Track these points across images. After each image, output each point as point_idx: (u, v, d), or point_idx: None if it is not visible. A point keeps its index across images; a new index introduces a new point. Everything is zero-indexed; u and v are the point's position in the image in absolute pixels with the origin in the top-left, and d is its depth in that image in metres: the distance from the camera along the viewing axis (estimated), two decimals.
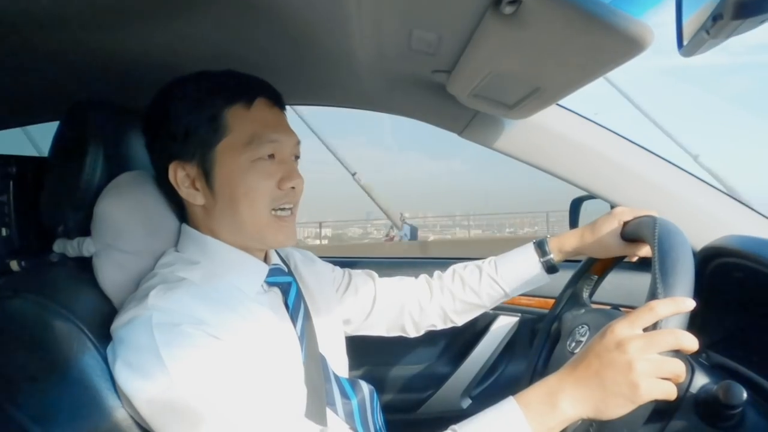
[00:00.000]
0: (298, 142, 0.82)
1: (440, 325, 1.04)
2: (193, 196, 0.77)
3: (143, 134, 0.82)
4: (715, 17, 0.44)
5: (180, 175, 0.77)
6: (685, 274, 0.63)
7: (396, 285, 1.05)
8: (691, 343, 0.58)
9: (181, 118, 0.75)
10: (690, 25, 0.54)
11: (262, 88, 0.79)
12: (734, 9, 0.41)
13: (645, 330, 0.60)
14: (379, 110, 1.25)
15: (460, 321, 1.04)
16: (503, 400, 0.63)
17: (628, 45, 0.59)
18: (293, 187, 0.78)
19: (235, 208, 0.76)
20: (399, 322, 1.03)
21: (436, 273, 1.06)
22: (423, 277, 1.06)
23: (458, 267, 1.04)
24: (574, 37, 0.62)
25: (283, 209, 0.79)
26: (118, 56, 0.90)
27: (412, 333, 1.05)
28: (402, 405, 1.38)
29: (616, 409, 0.58)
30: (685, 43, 0.55)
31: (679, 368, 0.58)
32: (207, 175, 0.76)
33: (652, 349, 0.58)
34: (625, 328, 0.60)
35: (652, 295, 0.63)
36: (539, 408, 0.60)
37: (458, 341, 1.41)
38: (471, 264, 1.03)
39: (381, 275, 1.06)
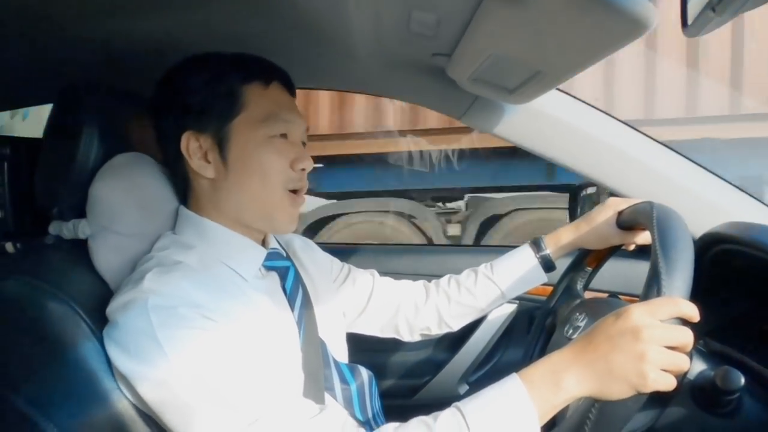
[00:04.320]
0: (308, 128, 0.84)
1: (435, 330, 1.03)
2: (204, 168, 0.77)
3: (152, 108, 0.81)
4: None
5: (192, 146, 0.77)
6: (685, 250, 0.64)
7: (394, 285, 1.05)
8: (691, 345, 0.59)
9: (199, 91, 0.76)
10: (695, 4, 0.53)
11: (279, 72, 0.82)
12: None
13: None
14: (378, 94, 1.24)
15: (456, 325, 1.03)
16: (506, 377, 0.63)
17: (631, 26, 0.57)
18: (303, 169, 0.79)
19: (248, 182, 0.76)
20: (393, 322, 1.03)
21: (434, 280, 1.06)
22: (421, 281, 1.06)
23: (455, 274, 1.04)
24: (576, 17, 0.61)
25: (295, 190, 0.80)
26: (114, 41, 0.89)
27: (406, 336, 1.04)
28: (399, 390, 1.39)
29: (619, 393, 0.58)
30: (689, 22, 0.54)
31: (686, 363, 0.59)
32: (221, 147, 0.76)
33: (667, 342, 0.58)
34: (644, 315, 0.59)
35: (654, 270, 0.62)
36: (543, 386, 0.60)
37: None
38: (467, 269, 1.03)
39: (379, 262, 1.06)
